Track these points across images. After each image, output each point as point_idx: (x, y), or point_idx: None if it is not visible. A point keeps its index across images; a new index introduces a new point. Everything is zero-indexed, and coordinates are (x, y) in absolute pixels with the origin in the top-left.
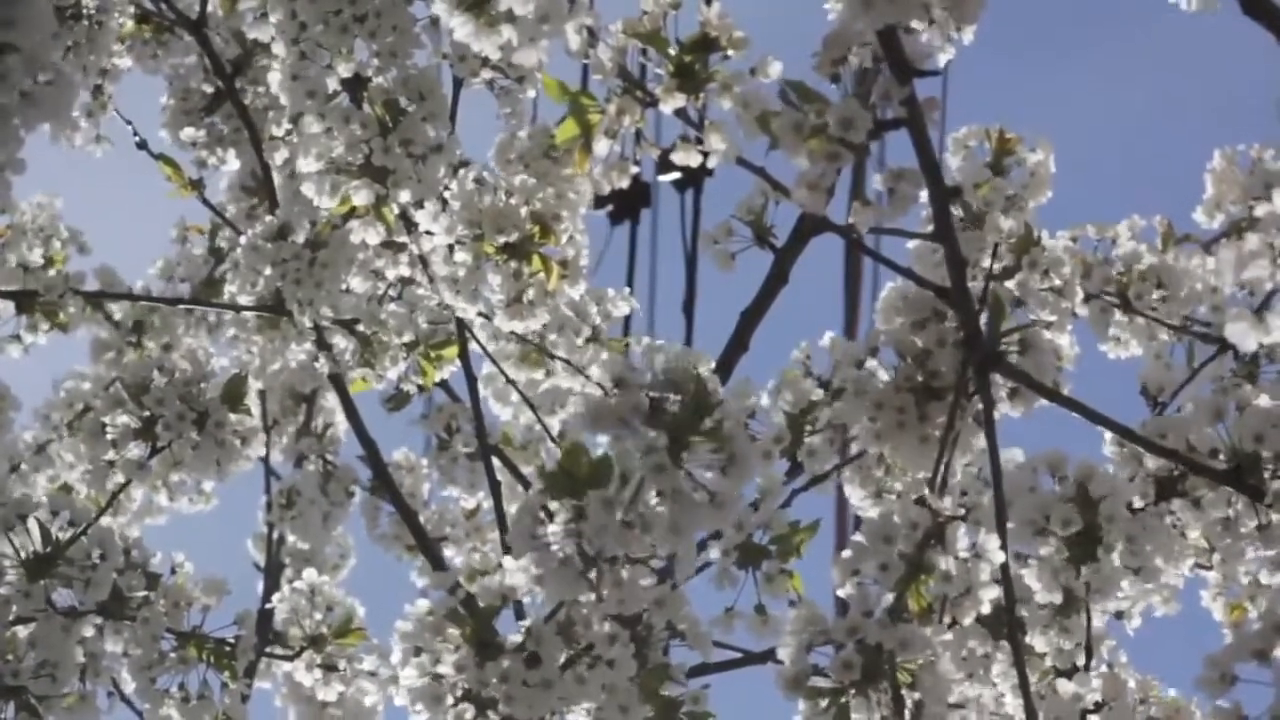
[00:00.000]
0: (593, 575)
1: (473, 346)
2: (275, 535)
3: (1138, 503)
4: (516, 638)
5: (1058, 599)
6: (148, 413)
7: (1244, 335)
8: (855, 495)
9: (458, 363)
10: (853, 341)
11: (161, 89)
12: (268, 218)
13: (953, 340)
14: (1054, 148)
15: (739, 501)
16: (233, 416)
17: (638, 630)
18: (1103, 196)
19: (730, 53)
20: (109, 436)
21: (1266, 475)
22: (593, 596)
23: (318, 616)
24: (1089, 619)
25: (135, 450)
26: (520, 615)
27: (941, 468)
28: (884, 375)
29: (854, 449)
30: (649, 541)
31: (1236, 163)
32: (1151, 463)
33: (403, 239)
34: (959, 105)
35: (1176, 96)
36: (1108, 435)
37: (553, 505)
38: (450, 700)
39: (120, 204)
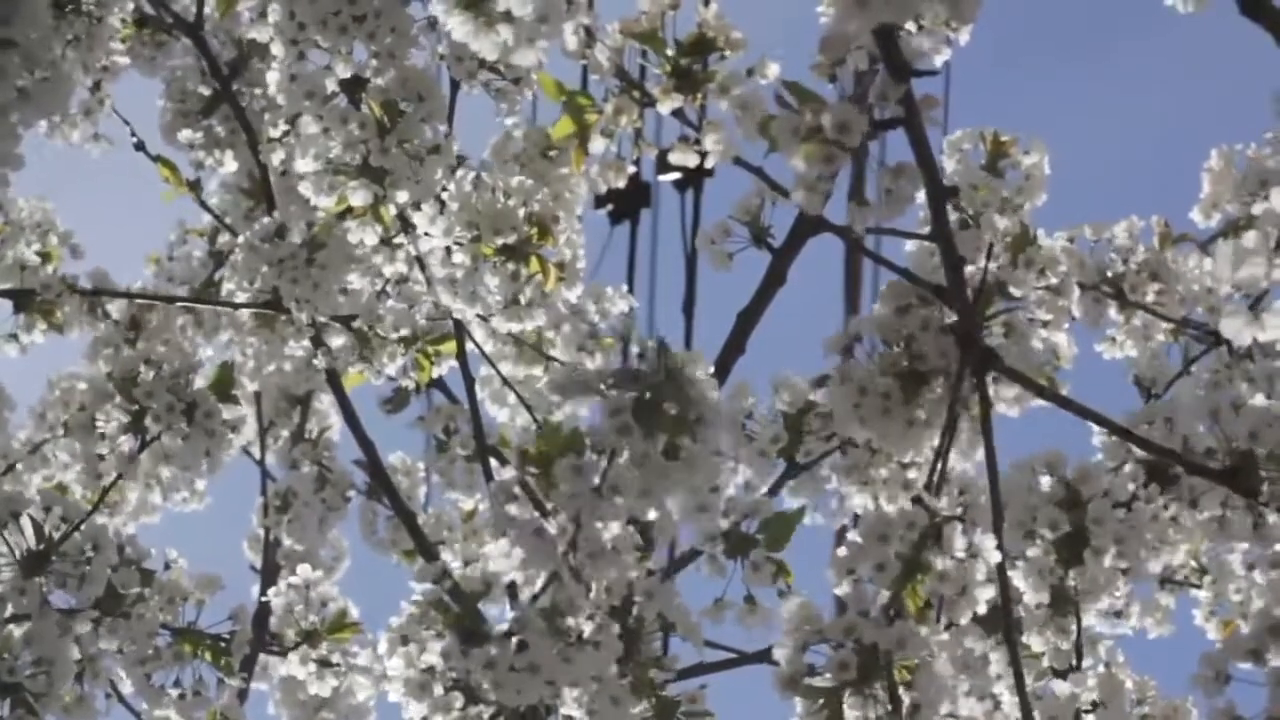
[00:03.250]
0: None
1: (470, 347)
2: (271, 538)
3: (1129, 489)
4: (503, 625)
5: (1045, 599)
6: (137, 406)
7: (1239, 331)
8: (842, 485)
9: (455, 363)
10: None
11: (158, 91)
12: (265, 218)
13: (936, 324)
14: (1067, 152)
15: (709, 462)
16: (222, 406)
17: (629, 624)
18: (1114, 201)
19: (728, 53)
20: (100, 431)
21: (1261, 474)
22: (577, 584)
23: (312, 614)
24: (1079, 619)
25: (126, 444)
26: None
27: (938, 468)
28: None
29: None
30: (621, 506)
31: (1233, 162)
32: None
33: (400, 240)
34: (978, 110)
35: (1193, 102)
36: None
37: (530, 481)
38: (439, 689)
39: (117, 206)
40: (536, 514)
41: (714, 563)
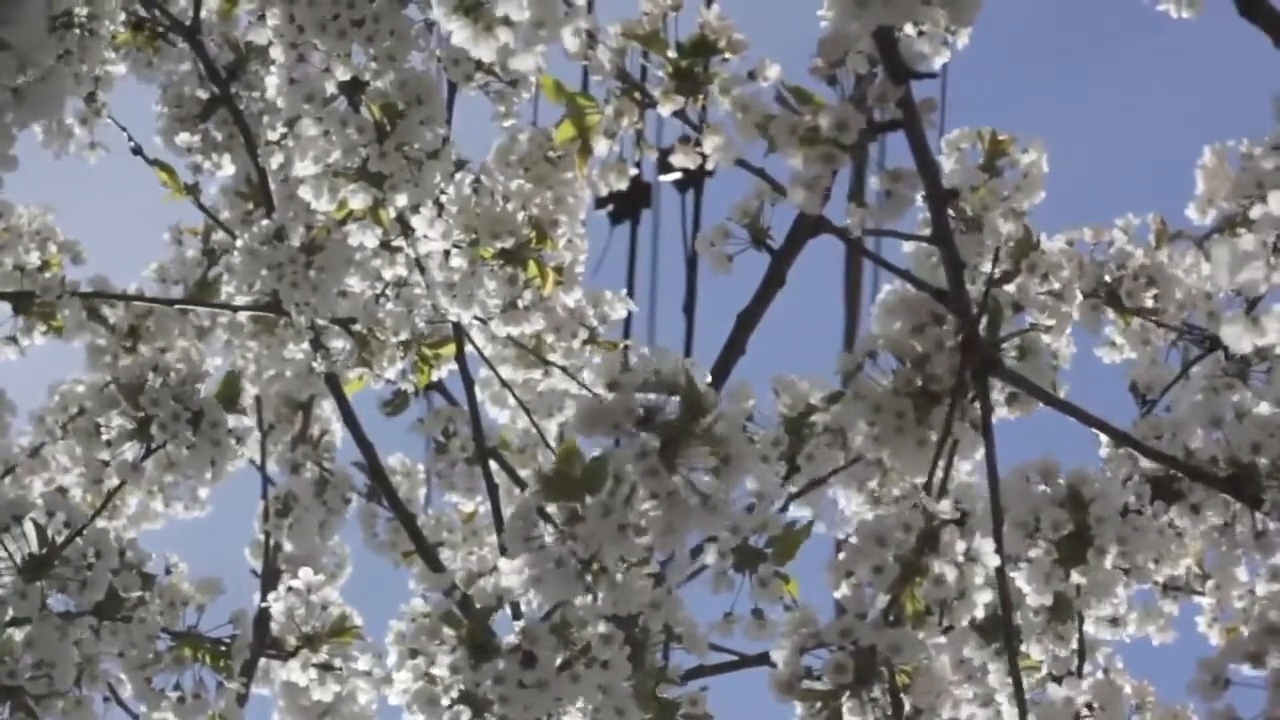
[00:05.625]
0: (588, 577)
1: (470, 350)
2: (272, 542)
3: (1133, 503)
4: (512, 639)
5: (1048, 601)
6: (142, 413)
7: (1238, 337)
8: (851, 501)
9: (455, 365)
10: (854, 347)
11: (156, 95)
12: (263, 221)
13: (950, 344)
14: (1067, 156)
15: (733, 504)
16: (228, 417)
17: (634, 633)
18: (1114, 204)
19: (729, 55)
20: (104, 438)
21: (1264, 483)
22: (588, 598)
23: (312, 618)
24: (1081, 624)
25: (130, 451)
26: (517, 616)
27: (939, 472)
28: (882, 379)
29: (850, 453)
30: (643, 545)
31: (1227, 159)
32: (1146, 463)
33: (399, 242)
34: (978, 114)
35: (1194, 105)
36: (1104, 437)
37: (548, 507)
38: (446, 702)
39: (115, 210)
40: (554, 537)
41: (722, 578)
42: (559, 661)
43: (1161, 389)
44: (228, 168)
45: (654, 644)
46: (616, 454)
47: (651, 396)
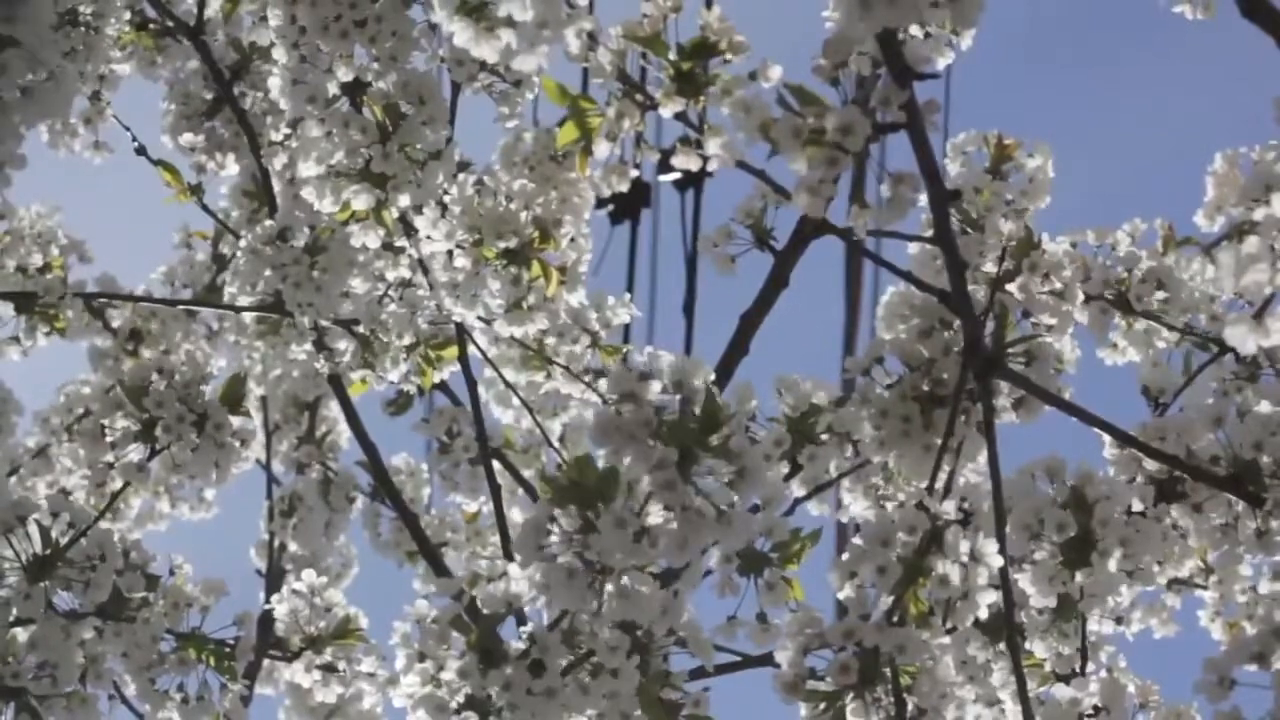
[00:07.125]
0: (597, 585)
1: (473, 350)
2: (277, 543)
3: (1137, 506)
4: (520, 645)
5: (1052, 603)
6: (147, 415)
7: (1243, 338)
8: (856, 505)
9: (458, 366)
10: (854, 347)
11: (160, 95)
12: (267, 222)
13: (957, 349)
14: (1072, 158)
15: (747, 518)
16: (232, 418)
17: (639, 637)
18: (1120, 206)
19: (730, 57)
20: (108, 439)
21: (1266, 482)
22: (597, 606)
23: (317, 619)
24: (1085, 624)
25: (134, 453)
26: (522, 622)
27: (943, 473)
28: (887, 383)
29: (854, 457)
30: (655, 556)
31: (1237, 165)
32: (1151, 465)
33: (402, 243)
34: (981, 116)
35: (1201, 107)
36: (1108, 438)
37: (559, 515)
38: (453, 707)
39: (119, 210)
40: (565, 545)
41: (728, 583)
42: (565, 666)
43: (1174, 392)
44: (232, 167)
45: (659, 649)
46: (630, 464)
47: (663, 403)
